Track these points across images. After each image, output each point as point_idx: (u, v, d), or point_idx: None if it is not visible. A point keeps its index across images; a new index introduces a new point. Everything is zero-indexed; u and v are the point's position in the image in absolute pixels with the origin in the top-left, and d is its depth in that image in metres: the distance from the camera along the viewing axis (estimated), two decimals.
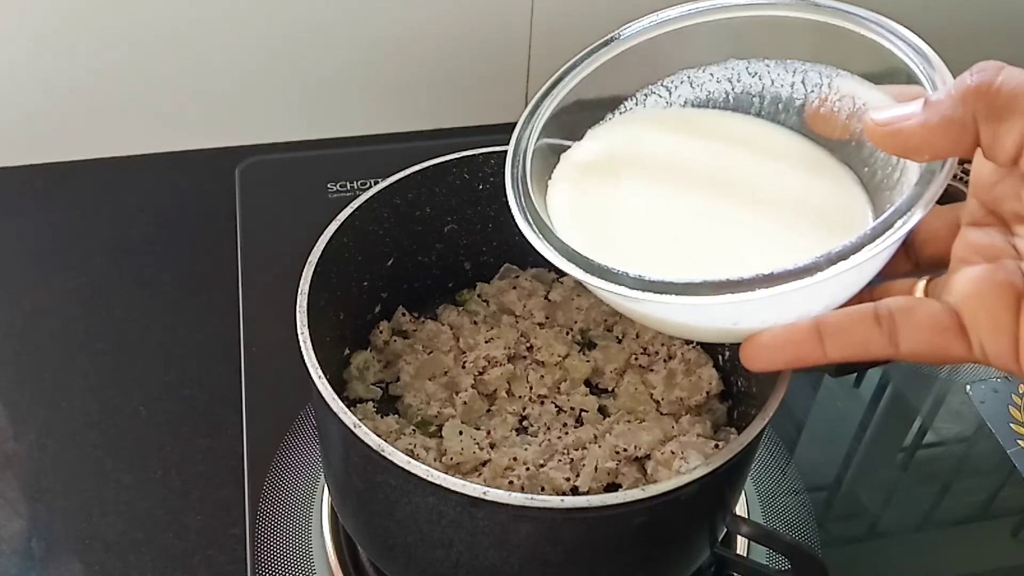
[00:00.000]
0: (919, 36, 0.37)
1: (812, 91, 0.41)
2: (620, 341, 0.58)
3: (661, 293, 0.34)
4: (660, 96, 0.44)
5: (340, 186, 0.78)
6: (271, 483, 0.58)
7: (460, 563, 0.43)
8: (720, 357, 0.55)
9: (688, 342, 0.57)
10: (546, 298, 0.59)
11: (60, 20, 0.74)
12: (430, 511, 0.41)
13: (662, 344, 0.57)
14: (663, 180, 0.41)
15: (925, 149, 0.32)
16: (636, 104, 0.44)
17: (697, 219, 0.40)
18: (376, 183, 0.52)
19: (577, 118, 0.44)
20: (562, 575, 0.43)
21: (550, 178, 0.43)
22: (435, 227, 0.57)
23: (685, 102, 0.44)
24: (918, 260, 0.38)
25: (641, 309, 0.37)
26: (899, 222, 0.33)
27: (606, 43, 0.42)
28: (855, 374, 0.68)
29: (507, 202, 0.39)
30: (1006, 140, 0.31)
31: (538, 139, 0.42)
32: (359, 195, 0.51)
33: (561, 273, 0.38)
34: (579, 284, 0.60)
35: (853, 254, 0.32)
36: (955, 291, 0.33)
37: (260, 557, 0.55)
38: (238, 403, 0.63)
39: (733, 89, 0.43)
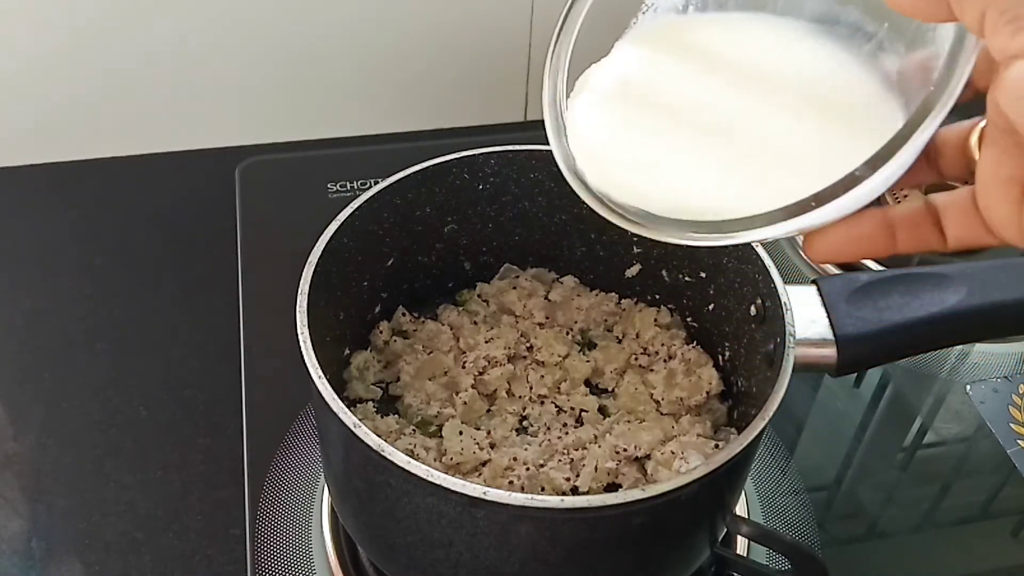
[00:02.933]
0: None
1: None
2: (620, 341, 0.58)
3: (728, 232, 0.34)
4: None
5: (340, 186, 0.78)
6: (271, 483, 0.58)
7: (460, 563, 0.43)
8: (720, 357, 0.55)
9: (688, 342, 0.57)
10: (546, 298, 0.59)
11: (60, 22, 0.74)
12: (430, 511, 0.41)
13: (662, 344, 0.57)
14: (679, 104, 0.39)
15: (907, 9, 0.32)
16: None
17: (724, 139, 0.38)
18: (376, 183, 0.52)
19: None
20: (562, 575, 0.43)
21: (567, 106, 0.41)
22: (435, 227, 0.57)
23: None
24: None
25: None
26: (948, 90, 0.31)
27: None
28: (855, 374, 0.68)
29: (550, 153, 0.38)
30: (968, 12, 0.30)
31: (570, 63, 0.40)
32: (359, 195, 0.51)
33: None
34: (579, 284, 0.60)
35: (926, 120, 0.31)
36: None
37: (260, 557, 0.55)
38: (238, 403, 0.63)
39: None
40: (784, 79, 0.39)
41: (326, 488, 0.56)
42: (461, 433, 0.51)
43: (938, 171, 0.37)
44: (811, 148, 0.37)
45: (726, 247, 0.48)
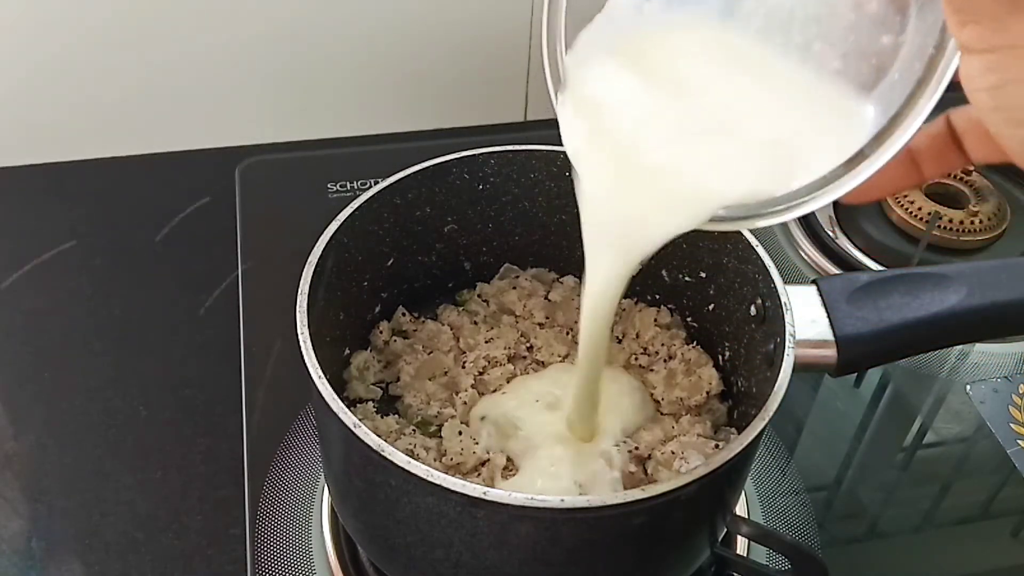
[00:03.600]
0: None
1: None
2: (620, 341, 0.58)
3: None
4: None
5: (340, 186, 0.78)
6: (271, 483, 0.58)
7: (460, 563, 0.43)
8: (720, 357, 0.55)
9: (688, 342, 0.57)
10: (546, 298, 0.59)
11: (61, 24, 0.74)
12: (430, 511, 0.41)
13: (662, 344, 0.57)
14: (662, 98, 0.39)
15: None
16: None
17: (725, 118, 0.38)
18: (376, 183, 0.52)
19: None
20: (562, 575, 0.43)
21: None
22: (435, 227, 0.57)
23: None
24: None
25: None
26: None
27: None
28: (855, 374, 0.68)
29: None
30: None
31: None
32: (359, 195, 0.51)
33: None
34: (579, 284, 0.60)
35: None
36: None
37: (260, 557, 0.55)
38: (238, 403, 0.63)
39: None
40: (769, 71, 0.38)
41: (326, 488, 0.56)
42: (461, 433, 0.51)
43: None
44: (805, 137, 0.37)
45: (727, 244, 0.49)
